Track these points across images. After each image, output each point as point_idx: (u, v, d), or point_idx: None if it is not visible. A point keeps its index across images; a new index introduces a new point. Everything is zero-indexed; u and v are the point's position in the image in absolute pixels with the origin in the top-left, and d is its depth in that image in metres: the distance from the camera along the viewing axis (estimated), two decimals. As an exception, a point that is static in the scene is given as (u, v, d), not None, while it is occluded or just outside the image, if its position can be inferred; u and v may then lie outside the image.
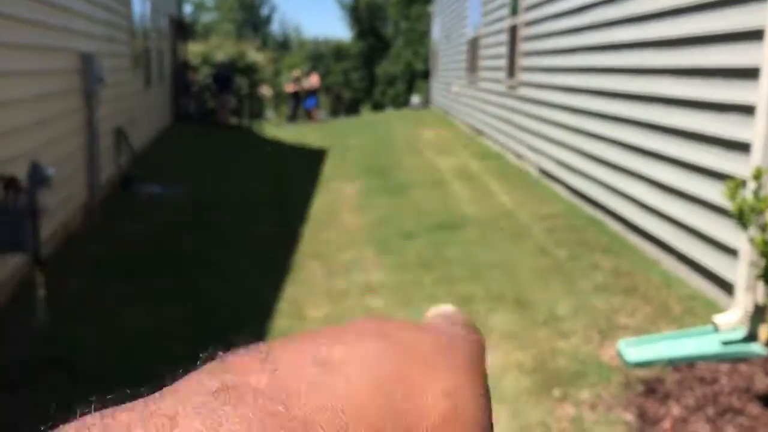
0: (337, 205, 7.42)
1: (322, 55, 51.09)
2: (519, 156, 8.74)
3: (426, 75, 29.79)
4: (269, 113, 22.94)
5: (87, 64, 6.23)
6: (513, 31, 9.26)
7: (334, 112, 24.08)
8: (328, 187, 8.62)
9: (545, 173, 7.54)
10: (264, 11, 69.16)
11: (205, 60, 21.64)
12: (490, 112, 10.81)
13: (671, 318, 3.67)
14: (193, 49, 22.29)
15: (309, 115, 20.18)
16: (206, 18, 66.27)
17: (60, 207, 5.36)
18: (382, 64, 45.56)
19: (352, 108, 25.67)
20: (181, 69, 18.09)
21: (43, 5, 4.95)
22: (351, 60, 48.69)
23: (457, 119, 14.56)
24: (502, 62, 9.86)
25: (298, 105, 20.02)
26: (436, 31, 20.17)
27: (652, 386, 2.98)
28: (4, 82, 4.10)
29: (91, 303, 4.13)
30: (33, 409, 2.87)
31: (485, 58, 11.52)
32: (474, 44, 12.63)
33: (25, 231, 3.55)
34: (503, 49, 9.84)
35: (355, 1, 48.82)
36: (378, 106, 25.41)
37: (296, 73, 21.07)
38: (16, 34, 4.34)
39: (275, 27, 71.68)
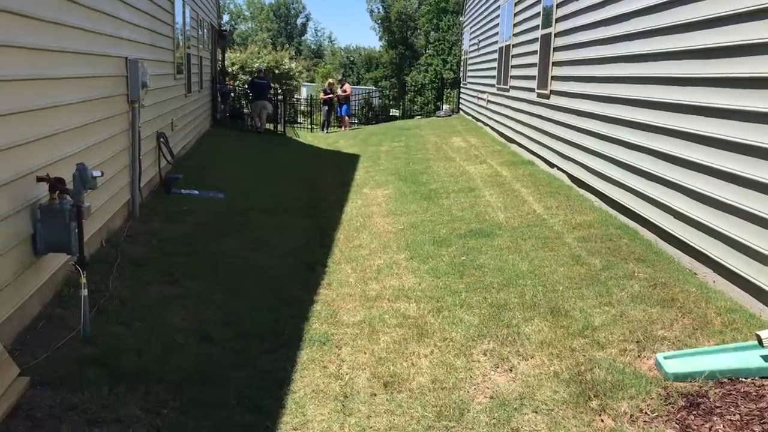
0: (369, 210, 7.47)
1: (354, 64, 51.49)
2: (550, 164, 8.70)
3: (454, 84, 29.72)
4: (303, 119, 23.17)
5: (132, 70, 6.38)
6: (545, 40, 9.24)
7: (365, 120, 24.20)
8: (360, 192, 8.68)
9: (577, 181, 7.49)
10: (299, 21, 70.23)
11: (243, 68, 22.02)
12: (521, 120, 10.78)
13: (711, 331, 3.61)
14: (232, 57, 22.69)
15: (341, 122, 20.37)
16: (243, 27, 67.65)
17: (103, 208, 5.49)
18: (411, 72, 45.72)
19: (382, 115, 25.76)
20: (220, 76, 18.39)
21: (93, 13, 5.09)
22: (382, 68, 48.97)
23: (487, 127, 14.53)
24: (534, 71, 9.83)
25: (331, 112, 20.27)
26: (466, 41, 20.18)
27: (693, 400, 2.94)
28: (55, 87, 4.23)
29: (131, 304, 4.22)
30: (73, 408, 2.95)
31: (516, 67, 11.50)
32: (504, 53, 12.61)
33: (71, 232, 3.65)
34: (534, 59, 9.82)
35: (387, 12, 49.28)
36: (407, 114, 25.46)
37: (330, 81, 21.35)
38: (67, 42, 4.47)
39: (309, 36, 72.64)
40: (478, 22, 16.96)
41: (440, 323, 3.99)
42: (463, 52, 21.74)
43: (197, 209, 7.08)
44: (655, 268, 4.66)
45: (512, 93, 11.71)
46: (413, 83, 40.44)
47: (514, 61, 11.71)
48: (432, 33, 44.35)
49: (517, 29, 11.46)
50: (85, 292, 3.60)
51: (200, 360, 3.60)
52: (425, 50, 46.42)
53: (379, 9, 51.45)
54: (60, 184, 3.78)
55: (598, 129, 6.85)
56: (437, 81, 40.77)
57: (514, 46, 11.73)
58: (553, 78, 8.70)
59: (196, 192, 7.99)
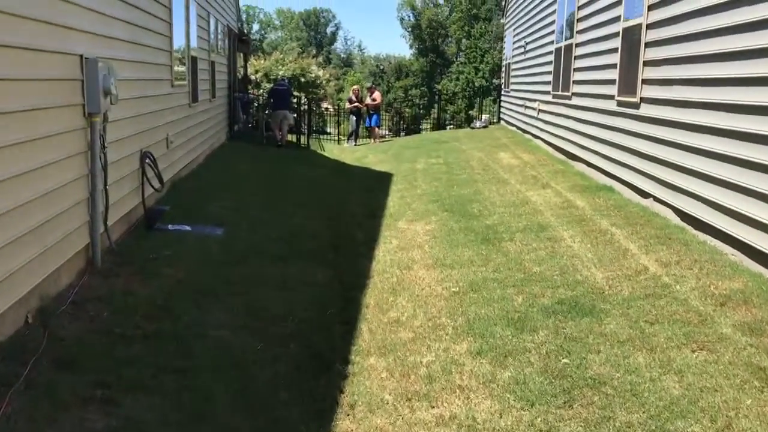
0: (408, 256, 5.65)
1: (384, 72, 49.93)
2: (642, 192, 6.77)
3: (487, 92, 27.87)
4: (330, 130, 21.48)
5: (90, 72, 4.70)
6: (629, 35, 7.34)
7: (395, 130, 22.43)
8: (395, 227, 6.87)
9: (693, 221, 5.55)
10: (329, 29, 69.34)
11: (267, 75, 20.43)
12: (590, 133, 8.86)
13: None
14: (255, 65, 21.11)
15: (370, 133, 18.58)
16: (273, 36, 67.18)
17: (33, 265, 3.80)
18: (442, 80, 43.97)
19: (412, 125, 24.03)
20: (240, 84, 16.77)
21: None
22: (412, 77, 47.28)
23: (539, 140, 12.61)
24: (612, 74, 7.92)
25: (360, 122, 18.45)
26: (509, 44, 18.32)
27: None
28: None
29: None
30: None
31: (582, 70, 9.58)
32: (564, 55, 10.71)
33: None
34: (613, 58, 7.91)
35: (417, 19, 47.67)
36: (438, 123, 23.71)
37: (355, 88, 19.54)
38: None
39: (339, 45, 72.21)
40: (526, 22, 15.07)
41: None
42: (504, 57, 19.84)
43: (183, 254, 5.35)
44: None
45: (576, 101, 9.79)
46: (444, 91, 38.78)
47: (578, 63, 9.79)
48: (464, 40, 42.86)
49: (584, 24, 9.55)
50: None
51: None
52: (456, 58, 44.82)
53: (409, 17, 50.15)
54: None
55: (724, 149, 4.95)
56: (469, 89, 39.06)
57: (578, 45, 9.82)
58: (645, 82, 6.78)
59: (188, 228, 6.26)
